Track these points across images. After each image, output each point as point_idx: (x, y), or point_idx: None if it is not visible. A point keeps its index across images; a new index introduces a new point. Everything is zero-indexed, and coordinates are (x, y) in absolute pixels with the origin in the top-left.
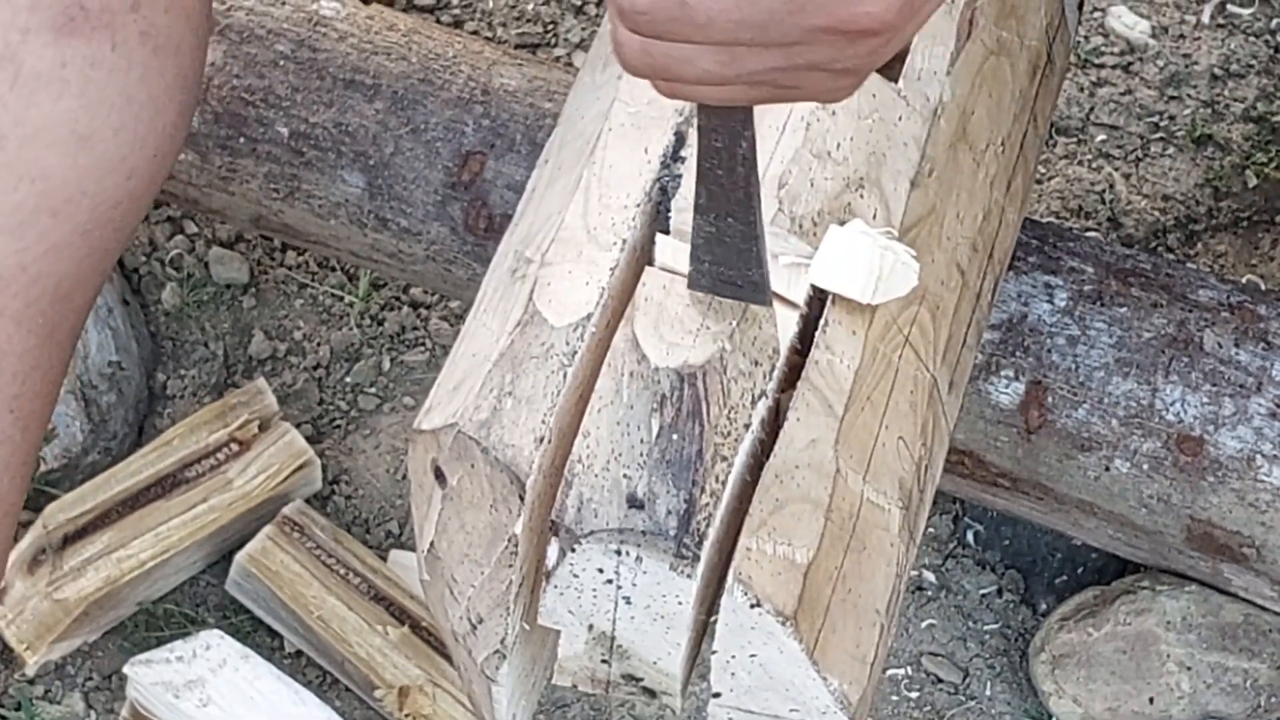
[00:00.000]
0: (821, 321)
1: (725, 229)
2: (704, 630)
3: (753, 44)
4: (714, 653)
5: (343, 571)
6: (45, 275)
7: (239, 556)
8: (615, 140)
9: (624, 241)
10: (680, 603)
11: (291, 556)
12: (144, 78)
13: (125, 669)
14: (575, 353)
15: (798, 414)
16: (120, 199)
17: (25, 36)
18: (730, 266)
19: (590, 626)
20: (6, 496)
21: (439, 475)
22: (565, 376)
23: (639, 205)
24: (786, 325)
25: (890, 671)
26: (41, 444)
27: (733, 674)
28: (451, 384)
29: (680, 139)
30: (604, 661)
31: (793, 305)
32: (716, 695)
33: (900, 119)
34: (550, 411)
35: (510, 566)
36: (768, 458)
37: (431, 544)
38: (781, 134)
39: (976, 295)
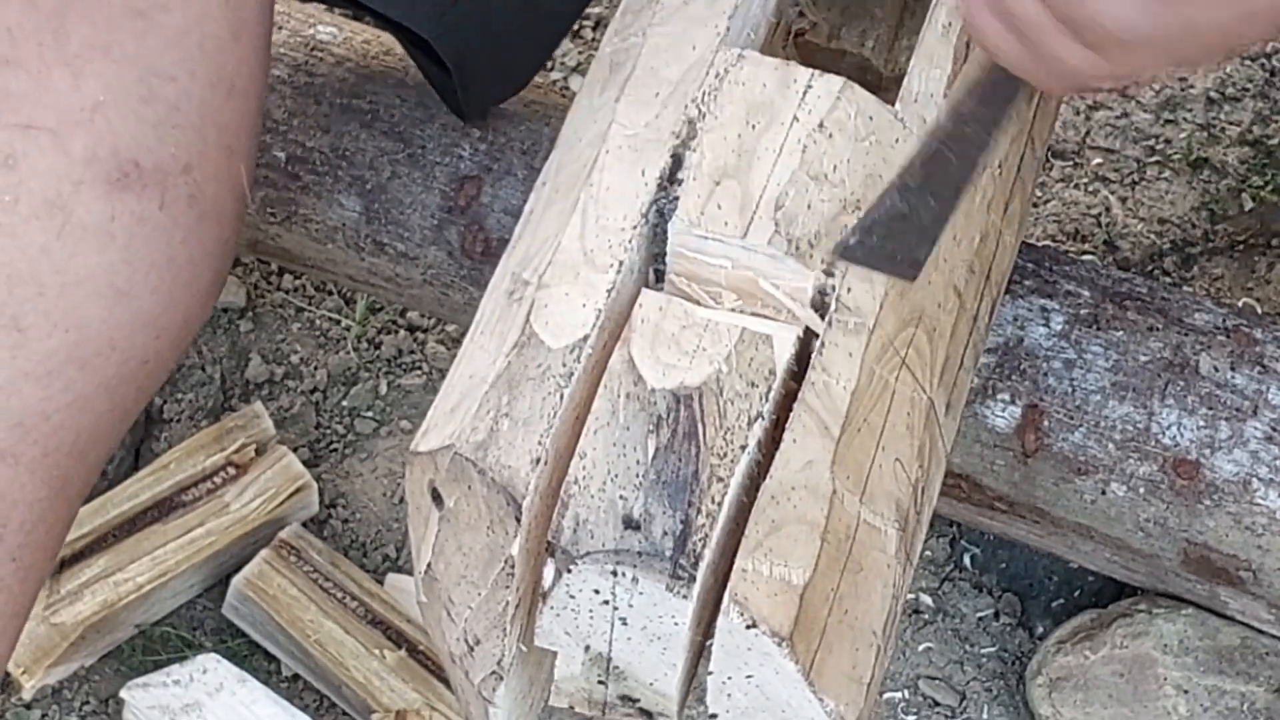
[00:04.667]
0: (818, 343)
1: (921, 209)
2: (700, 651)
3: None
4: (710, 674)
5: (340, 595)
6: (66, 427)
7: (236, 580)
8: (612, 163)
9: (621, 264)
10: (676, 624)
11: (288, 580)
12: (186, 240)
13: (122, 693)
14: (572, 374)
15: (794, 435)
16: (148, 357)
17: (78, 188)
18: (902, 244)
19: (587, 648)
20: None
21: (436, 497)
22: (562, 398)
23: (635, 228)
24: (783, 347)
25: (887, 695)
26: (36, 597)
27: (729, 695)
28: (448, 405)
29: (677, 161)
30: (600, 682)
31: (790, 325)
32: (713, 716)
33: (897, 141)
34: (547, 433)
35: (507, 588)
36: (764, 479)
37: (428, 566)
38: (779, 156)
39: (974, 317)
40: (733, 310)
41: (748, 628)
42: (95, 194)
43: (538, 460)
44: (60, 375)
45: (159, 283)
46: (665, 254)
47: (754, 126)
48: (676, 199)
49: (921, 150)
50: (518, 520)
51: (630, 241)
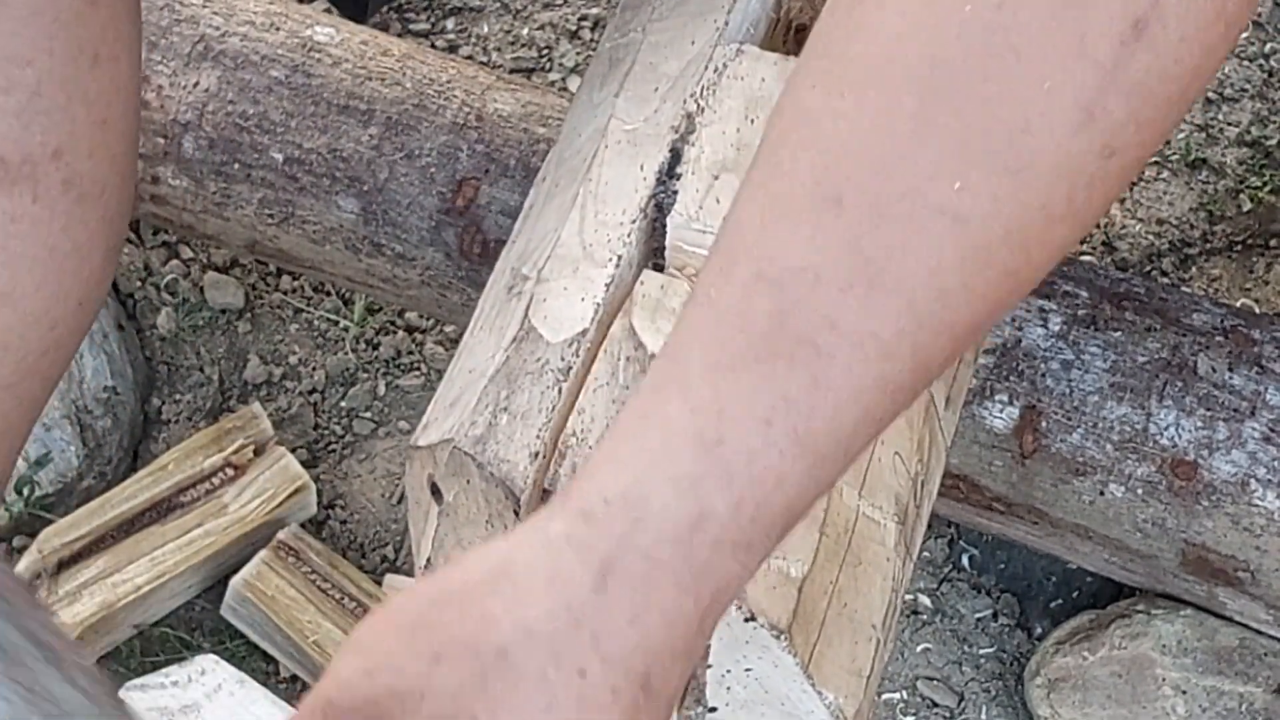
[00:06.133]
0: None
1: None
2: None
3: None
4: (709, 667)
5: (338, 596)
6: None
7: (234, 581)
8: (611, 157)
9: (619, 258)
10: None
11: (287, 581)
12: (67, 227)
13: (120, 694)
14: (570, 368)
15: None
16: (46, 349)
17: None
18: None
19: None
20: None
21: (435, 491)
22: (560, 392)
23: (634, 222)
24: None
25: (886, 696)
26: None
27: (728, 688)
28: (448, 400)
29: (676, 155)
30: None
31: None
32: (712, 710)
33: None
34: (545, 427)
35: None
36: None
37: (429, 561)
38: None
39: None
40: None
41: (746, 620)
42: None
43: (536, 454)
44: None
45: (44, 277)
46: (664, 248)
47: (753, 121)
48: (675, 193)
49: None
50: (516, 514)
51: (629, 236)
